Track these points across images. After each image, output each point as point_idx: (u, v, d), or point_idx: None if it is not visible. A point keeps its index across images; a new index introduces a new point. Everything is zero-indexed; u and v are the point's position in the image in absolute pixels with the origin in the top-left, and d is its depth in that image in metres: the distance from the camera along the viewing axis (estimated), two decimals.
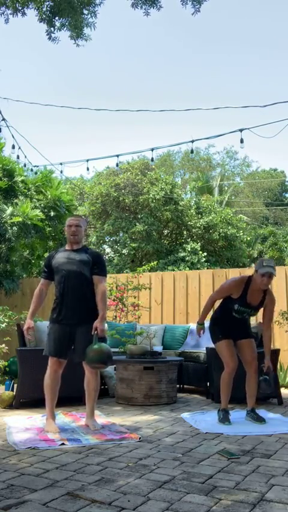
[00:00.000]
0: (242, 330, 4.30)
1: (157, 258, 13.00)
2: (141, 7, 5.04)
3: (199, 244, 13.33)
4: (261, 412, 4.45)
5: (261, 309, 4.31)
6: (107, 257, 15.68)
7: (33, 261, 9.73)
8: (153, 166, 15.80)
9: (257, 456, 3.14)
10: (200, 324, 4.37)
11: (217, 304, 4.39)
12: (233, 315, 4.24)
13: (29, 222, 7.57)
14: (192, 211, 14.23)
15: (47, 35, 5.32)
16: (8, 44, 36.16)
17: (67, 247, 4.15)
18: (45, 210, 8.26)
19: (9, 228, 7.41)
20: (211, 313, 4.46)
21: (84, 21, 5.20)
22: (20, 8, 5.09)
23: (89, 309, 3.92)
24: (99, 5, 5.13)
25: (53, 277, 4.06)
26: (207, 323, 4.40)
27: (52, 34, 5.32)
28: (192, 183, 19.12)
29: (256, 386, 4.26)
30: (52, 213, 8.33)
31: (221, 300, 4.35)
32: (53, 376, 3.91)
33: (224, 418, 4.08)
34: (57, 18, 5.19)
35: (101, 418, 4.28)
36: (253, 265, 16.95)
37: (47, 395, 3.92)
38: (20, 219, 7.39)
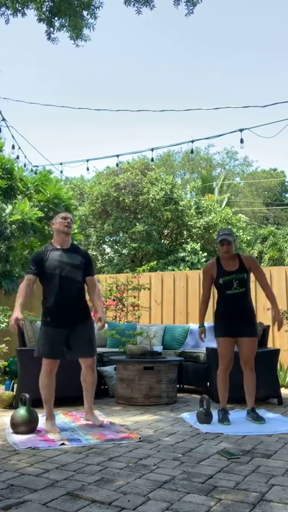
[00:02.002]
0: (245, 324, 4.23)
1: (157, 258, 13.00)
2: (134, 5, 5.01)
3: (199, 244, 13.33)
4: (261, 412, 4.45)
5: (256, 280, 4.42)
6: (107, 257, 15.69)
7: None
8: (153, 166, 15.79)
9: (257, 456, 3.14)
10: (200, 325, 4.39)
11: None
12: (227, 293, 4.23)
13: (28, 221, 7.56)
14: (192, 211, 14.23)
15: (47, 35, 5.31)
16: (8, 45, 36.18)
17: (57, 245, 4.04)
18: (45, 209, 8.25)
19: (8, 226, 7.40)
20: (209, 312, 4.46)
21: (84, 22, 5.19)
22: (20, 8, 5.09)
23: (82, 310, 4.03)
24: (98, 8, 5.12)
25: (40, 275, 3.97)
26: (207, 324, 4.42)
27: (51, 34, 5.32)
28: (192, 183, 19.12)
29: (254, 384, 4.26)
30: (51, 212, 8.33)
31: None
32: (49, 376, 3.94)
33: (223, 418, 4.09)
34: (56, 18, 5.19)
35: (101, 418, 4.28)
36: None
37: (45, 395, 3.96)
38: (19, 217, 7.39)
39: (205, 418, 4.06)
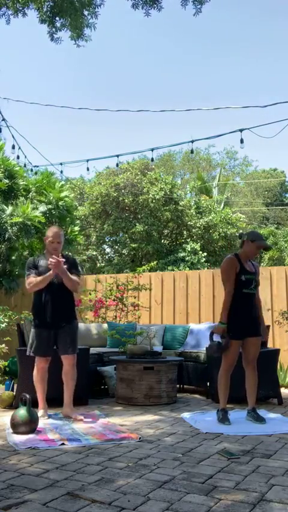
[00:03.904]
0: (253, 324, 4.23)
1: (157, 258, 13.00)
2: (142, 7, 5.03)
3: (199, 244, 13.33)
4: (261, 412, 4.45)
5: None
6: (107, 257, 15.69)
7: None
8: (153, 166, 15.79)
9: (257, 456, 3.14)
10: (224, 323, 4.17)
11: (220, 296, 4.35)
12: (244, 292, 4.19)
13: (29, 223, 7.59)
14: (192, 211, 14.23)
15: (49, 36, 5.31)
16: (9, 44, 36.19)
17: (47, 255, 4.49)
18: (47, 213, 8.31)
19: (9, 228, 7.42)
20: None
21: (85, 21, 5.19)
22: (20, 8, 5.09)
23: (68, 313, 4.50)
24: (100, 6, 5.13)
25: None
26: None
27: (54, 35, 5.32)
28: (191, 183, 19.12)
29: (256, 384, 4.26)
30: (54, 212, 8.40)
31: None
32: (42, 371, 4.43)
33: (224, 418, 4.09)
34: (57, 18, 5.18)
35: (101, 418, 4.29)
36: None
37: (39, 388, 4.42)
38: (20, 219, 7.41)
39: (217, 349, 4.11)
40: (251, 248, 4.25)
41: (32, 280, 4.40)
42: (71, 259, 4.71)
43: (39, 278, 4.36)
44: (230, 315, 4.19)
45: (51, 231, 4.50)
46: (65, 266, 4.43)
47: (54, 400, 4.64)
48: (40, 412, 4.29)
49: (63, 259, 4.34)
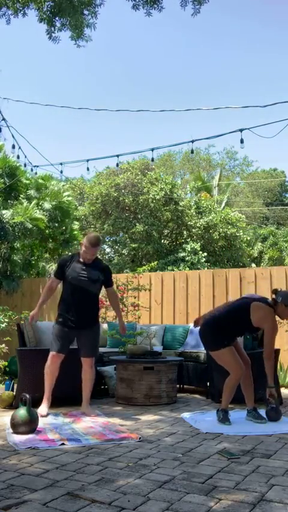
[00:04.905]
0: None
1: (157, 258, 13.00)
2: (143, 7, 5.03)
3: (199, 244, 13.32)
4: (262, 412, 4.45)
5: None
6: (106, 257, 15.69)
7: (33, 262, 9.75)
8: (153, 166, 15.79)
9: (257, 456, 3.14)
10: (273, 386, 4.18)
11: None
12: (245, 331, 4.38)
13: (30, 225, 7.61)
14: (192, 211, 14.22)
15: (47, 34, 5.31)
16: (9, 45, 36.19)
17: (81, 258, 4.53)
18: (51, 210, 8.35)
19: (10, 228, 7.43)
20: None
21: (85, 21, 5.19)
22: (20, 8, 5.09)
23: (91, 317, 4.59)
24: (100, 5, 5.13)
25: (63, 278, 4.56)
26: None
27: (52, 34, 5.32)
28: (191, 183, 19.10)
29: (252, 385, 4.26)
30: (58, 212, 8.49)
31: (229, 311, 4.30)
32: (54, 365, 4.49)
33: (224, 418, 4.08)
34: (57, 18, 5.18)
35: (101, 418, 4.29)
36: (253, 265, 16.94)
37: (48, 380, 4.48)
38: (22, 219, 7.42)
39: (275, 415, 4.12)
40: (284, 312, 4.23)
41: (45, 288, 4.63)
42: (103, 267, 4.67)
43: (39, 301, 4.66)
44: (223, 327, 4.23)
45: (89, 242, 4.41)
46: (97, 276, 4.50)
47: (54, 399, 4.64)
48: (42, 406, 4.36)
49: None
